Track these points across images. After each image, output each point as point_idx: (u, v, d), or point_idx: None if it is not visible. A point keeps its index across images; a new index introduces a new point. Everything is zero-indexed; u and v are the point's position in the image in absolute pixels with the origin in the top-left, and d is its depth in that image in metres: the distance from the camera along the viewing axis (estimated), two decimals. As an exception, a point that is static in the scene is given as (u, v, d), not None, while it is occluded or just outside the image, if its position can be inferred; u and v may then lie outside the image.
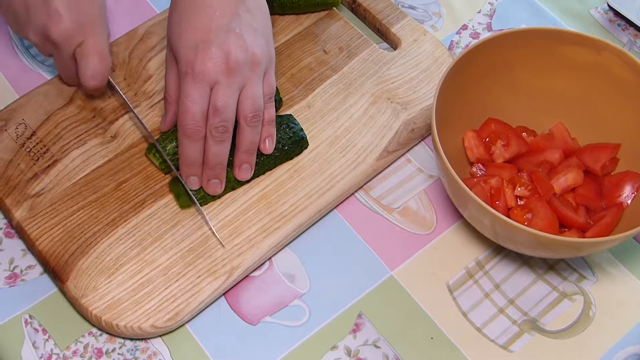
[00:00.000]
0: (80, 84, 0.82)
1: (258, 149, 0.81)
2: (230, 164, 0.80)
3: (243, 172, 0.80)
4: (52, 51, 0.82)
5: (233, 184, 0.81)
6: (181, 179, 0.79)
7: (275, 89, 0.81)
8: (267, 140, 0.81)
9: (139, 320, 0.75)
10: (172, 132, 0.81)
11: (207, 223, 0.79)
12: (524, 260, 0.81)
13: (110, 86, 0.85)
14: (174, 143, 0.80)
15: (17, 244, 0.81)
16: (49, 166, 0.83)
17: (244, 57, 0.76)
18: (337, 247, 0.81)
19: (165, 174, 0.82)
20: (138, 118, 0.84)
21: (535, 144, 0.84)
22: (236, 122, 0.77)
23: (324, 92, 0.88)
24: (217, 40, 0.75)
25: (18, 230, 0.80)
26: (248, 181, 0.82)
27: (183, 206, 0.80)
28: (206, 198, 0.80)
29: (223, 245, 0.78)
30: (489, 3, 0.99)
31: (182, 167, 0.78)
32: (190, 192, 0.79)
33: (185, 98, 0.75)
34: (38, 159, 0.83)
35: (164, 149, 0.80)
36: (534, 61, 0.83)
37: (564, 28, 0.95)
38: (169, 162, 0.80)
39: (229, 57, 0.75)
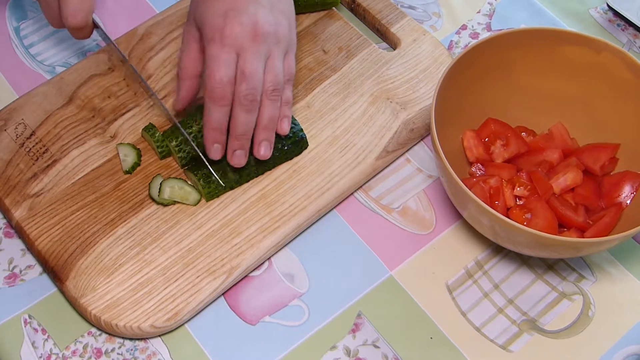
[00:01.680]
0: (64, 24, 0.81)
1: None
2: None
3: (263, 149, 0.80)
4: None
5: (232, 183, 0.81)
6: (203, 159, 0.80)
7: (294, 72, 0.81)
8: (284, 121, 0.81)
9: (138, 320, 0.75)
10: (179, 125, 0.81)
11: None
12: (523, 260, 0.81)
13: (95, 26, 0.83)
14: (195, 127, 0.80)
15: (17, 244, 0.81)
16: (48, 166, 0.83)
17: (270, 29, 0.77)
18: (337, 247, 0.81)
19: (161, 159, 0.82)
20: (135, 71, 0.84)
21: (534, 144, 0.84)
22: None
23: (324, 92, 0.88)
24: (246, 10, 0.76)
25: (17, 230, 0.80)
26: (247, 180, 0.82)
27: (209, 198, 0.80)
28: (218, 191, 0.80)
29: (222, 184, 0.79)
30: (488, 3, 0.99)
31: (207, 133, 0.78)
32: (211, 169, 0.80)
33: (211, 62, 0.75)
34: (37, 158, 0.83)
35: (173, 138, 0.81)
36: (533, 61, 0.83)
37: (564, 28, 0.95)
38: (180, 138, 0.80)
39: (257, 26, 0.76)
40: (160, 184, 0.80)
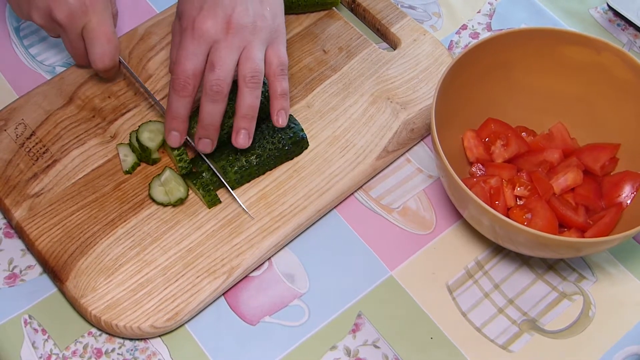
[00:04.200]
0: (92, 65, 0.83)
1: (271, 124, 0.81)
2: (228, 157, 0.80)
3: (240, 138, 0.78)
4: (59, 32, 0.83)
5: (233, 183, 0.81)
6: (210, 164, 0.80)
7: (286, 62, 0.80)
8: (280, 113, 0.79)
9: (139, 320, 0.75)
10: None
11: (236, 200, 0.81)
12: (523, 260, 0.81)
13: (124, 66, 0.86)
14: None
15: (17, 244, 0.81)
16: (48, 166, 0.83)
17: (246, 21, 0.76)
18: (337, 247, 0.81)
19: (182, 174, 0.82)
20: (152, 96, 0.85)
21: (534, 144, 0.84)
22: (235, 84, 0.77)
23: (324, 92, 0.88)
24: (222, 3, 0.76)
25: (17, 230, 0.80)
26: (247, 180, 0.82)
27: (210, 205, 0.80)
28: (217, 198, 0.80)
29: (252, 217, 0.80)
30: (488, 3, 0.99)
31: (166, 121, 0.78)
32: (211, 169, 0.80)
33: (179, 51, 0.76)
34: (37, 159, 0.83)
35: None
36: (533, 61, 0.83)
37: (564, 28, 0.95)
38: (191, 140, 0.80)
39: (231, 19, 0.76)
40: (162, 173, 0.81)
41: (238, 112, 0.78)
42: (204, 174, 0.80)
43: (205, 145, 0.79)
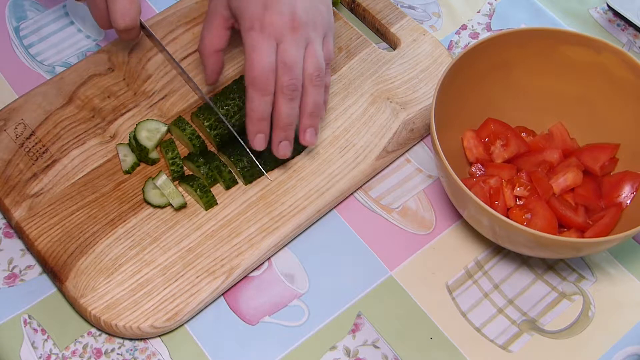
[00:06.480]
0: (112, 26, 0.83)
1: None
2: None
3: (308, 136, 0.79)
4: None
5: (228, 182, 0.81)
6: (244, 144, 0.80)
7: (333, 56, 0.81)
8: (323, 107, 0.80)
9: (138, 320, 0.75)
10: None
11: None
12: (523, 261, 0.81)
13: (143, 28, 0.85)
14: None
15: (16, 244, 0.81)
16: (48, 166, 0.83)
17: (308, 18, 0.77)
18: (337, 247, 0.81)
19: (174, 177, 0.82)
20: (181, 68, 0.85)
21: (534, 144, 0.84)
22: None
23: (323, 92, 0.88)
24: (284, 0, 0.76)
25: (17, 230, 0.80)
26: (250, 181, 0.81)
27: (207, 207, 0.80)
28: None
29: (269, 179, 0.81)
30: (488, 3, 0.99)
31: (250, 124, 0.77)
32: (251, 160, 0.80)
33: (252, 51, 0.75)
34: (37, 158, 0.83)
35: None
36: (533, 61, 0.83)
37: (564, 28, 0.95)
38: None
39: (295, 15, 0.76)
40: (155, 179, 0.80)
41: (305, 110, 0.78)
42: (199, 179, 0.80)
43: (285, 147, 0.79)
